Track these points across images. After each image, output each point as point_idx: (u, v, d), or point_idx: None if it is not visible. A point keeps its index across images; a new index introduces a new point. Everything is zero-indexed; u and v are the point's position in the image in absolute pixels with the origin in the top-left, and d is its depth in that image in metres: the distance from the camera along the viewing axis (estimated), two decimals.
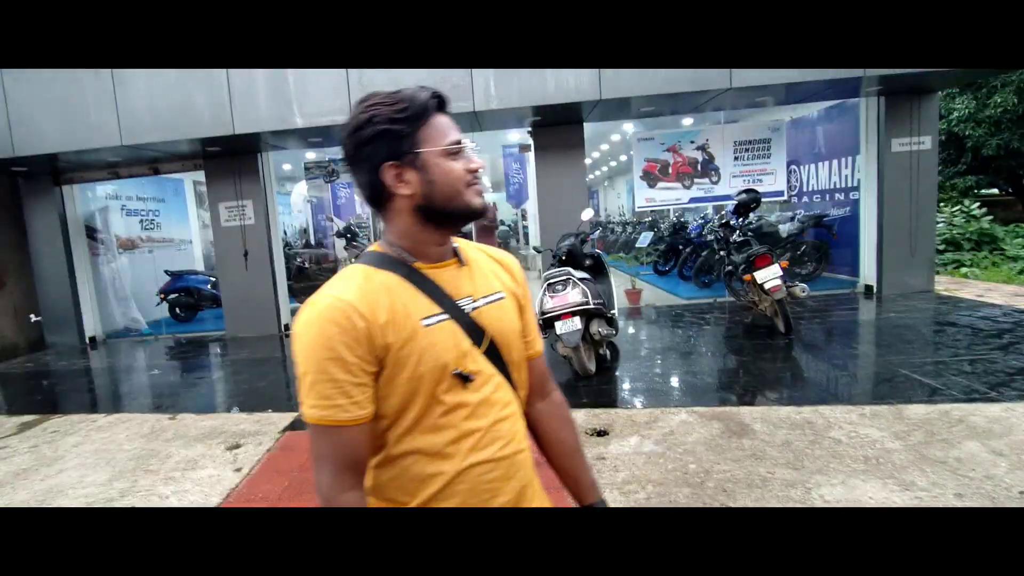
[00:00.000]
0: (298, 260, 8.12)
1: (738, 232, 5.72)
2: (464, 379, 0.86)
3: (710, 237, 7.22)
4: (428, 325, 0.84)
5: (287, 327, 7.15)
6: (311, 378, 0.80)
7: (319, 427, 0.81)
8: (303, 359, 0.80)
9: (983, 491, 2.38)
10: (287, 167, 9.27)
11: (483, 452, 0.87)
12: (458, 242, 0.94)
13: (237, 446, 3.48)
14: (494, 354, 0.90)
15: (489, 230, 7.77)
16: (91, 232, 7.65)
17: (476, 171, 0.87)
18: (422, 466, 0.85)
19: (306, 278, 7.98)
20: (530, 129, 6.64)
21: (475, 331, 0.88)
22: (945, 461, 2.64)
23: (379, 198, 0.87)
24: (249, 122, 5.71)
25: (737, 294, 5.89)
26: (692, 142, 7.53)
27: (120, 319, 7.89)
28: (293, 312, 7.47)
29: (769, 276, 4.92)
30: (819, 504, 2.37)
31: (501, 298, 0.94)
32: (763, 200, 6.46)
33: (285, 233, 8.08)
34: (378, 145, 0.83)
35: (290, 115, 5.68)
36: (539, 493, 0.99)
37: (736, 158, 7.58)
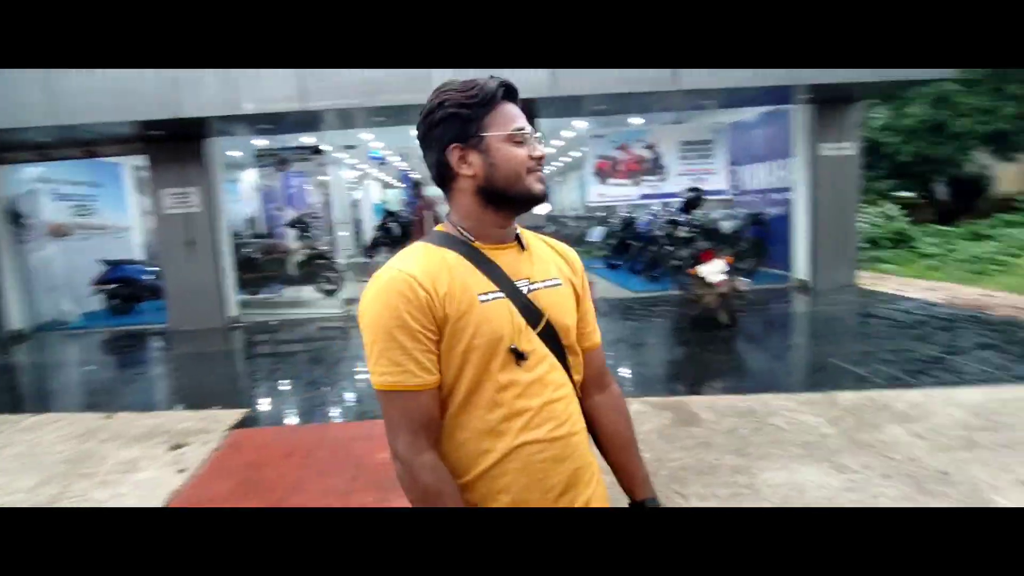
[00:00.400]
0: (248, 250, 7.69)
1: (684, 228, 5.86)
2: (518, 356, 0.86)
3: (658, 233, 7.36)
4: (484, 301, 0.85)
5: (234, 319, 6.77)
6: (380, 347, 0.82)
7: (390, 393, 0.83)
8: (371, 329, 0.83)
9: (907, 472, 2.52)
10: (236, 154, 8.75)
11: (535, 432, 0.86)
12: (520, 229, 0.95)
13: (180, 445, 3.24)
14: (549, 337, 0.90)
15: (427, 222, 7.33)
16: (15, 217, 6.95)
17: (540, 158, 0.88)
18: (475, 443, 0.86)
19: (256, 268, 7.56)
20: None
21: (531, 311, 0.88)
22: (873, 444, 2.78)
23: (445, 178, 0.90)
24: (196, 106, 5.32)
25: (683, 287, 6.03)
26: (640, 141, 7.65)
27: (49, 311, 7.24)
28: (243, 304, 7.08)
29: (712, 271, 5.06)
30: (766, 489, 2.44)
31: (558, 284, 0.94)
32: (706, 198, 6.65)
33: (233, 223, 7.61)
34: (447, 127, 0.87)
35: (239, 100, 5.34)
36: (596, 476, 0.96)
37: (682, 157, 7.77)
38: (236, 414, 3.69)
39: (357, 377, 4.55)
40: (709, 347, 4.72)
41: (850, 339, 4.82)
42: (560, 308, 0.92)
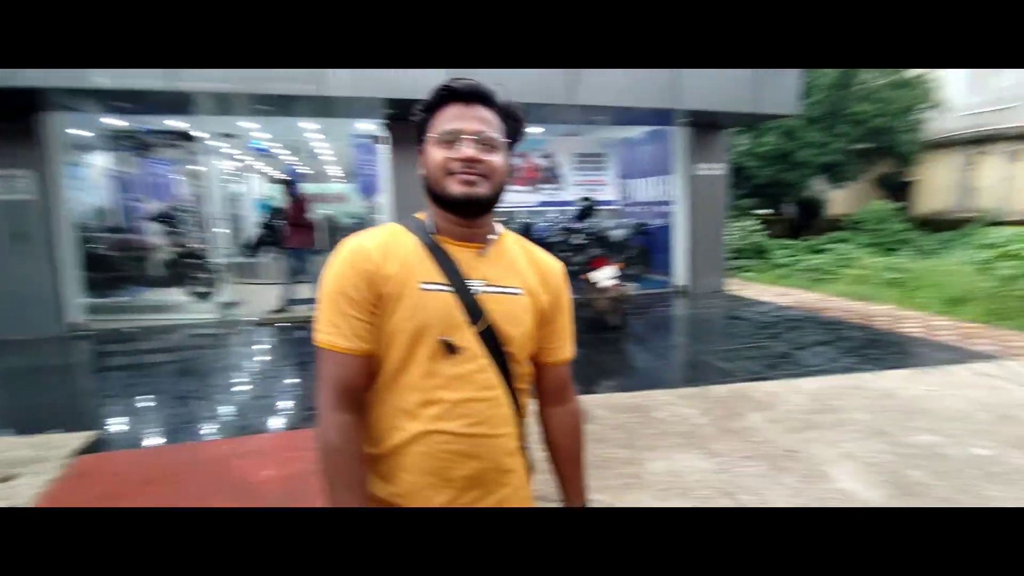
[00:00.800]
0: (98, 246, 6.67)
1: (578, 235, 6.16)
2: (449, 348, 0.89)
3: (554, 239, 7.66)
4: (426, 289, 0.89)
5: (78, 327, 5.84)
6: (325, 307, 0.90)
7: (325, 351, 0.90)
8: (324, 291, 0.90)
9: (764, 452, 2.86)
10: (84, 132, 7.58)
11: (447, 423, 0.89)
12: (505, 233, 0.98)
13: (6, 479, 2.71)
14: (490, 339, 0.91)
15: (303, 226, 6.69)
16: None
17: (463, 160, 0.87)
18: (391, 418, 0.91)
19: (108, 267, 6.59)
20: (387, 121, 6.35)
21: (474, 310, 0.90)
22: (739, 431, 3.13)
23: None
24: (29, 75, 4.51)
25: (577, 292, 6.33)
26: (539, 150, 7.93)
27: None
28: (90, 309, 6.13)
29: (604, 276, 5.37)
30: (650, 477, 2.63)
31: (516, 294, 0.95)
32: (598, 208, 7.05)
33: (79, 214, 6.53)
34: (417, 132, 0.95)
35: (88, 72, 4.63)
36: (513, 483, 0.97)
37: (576, 168, 8.18)
38: (80, 438, 3.17)
39: (235, 389, 4.15)
40: (601, 348, 5.00)
41: (719, 338, 5.39)
42: (509, 316, 0.93)
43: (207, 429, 3.35)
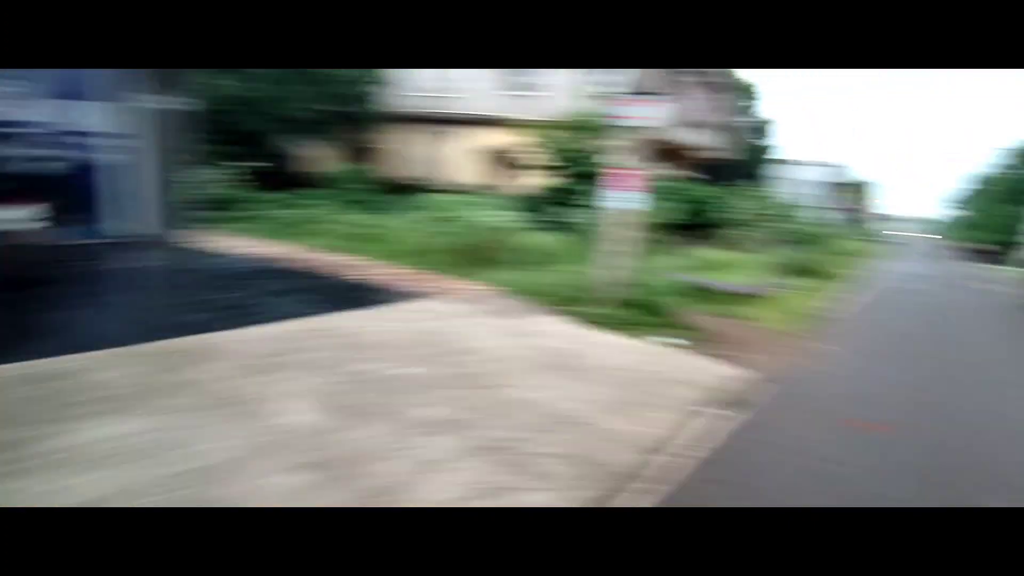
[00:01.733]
0: None
1: None
2: None
3: None
4: None
5: None
6: None
7: None
8: None
9: (222, 398, 3.20)
10: None
11: None
12: None
13: None
14: None
15: None
16: None
17: None
18: None
19: None
20: None
21: None
22: (192, 384, 3.33)
23: None
24: None
25: None
26: None
27: None
28: None
29: (15, 217, 4.45)
30: (57, 455, 2.58)
31: None
32: (12, 132, 5.56)
33: None
34: None
35: None
36: None
37: None
38: None
39: None
40: (13, 307, 4.19)
41: (179, 292, 5.44)
42: None
43: None
